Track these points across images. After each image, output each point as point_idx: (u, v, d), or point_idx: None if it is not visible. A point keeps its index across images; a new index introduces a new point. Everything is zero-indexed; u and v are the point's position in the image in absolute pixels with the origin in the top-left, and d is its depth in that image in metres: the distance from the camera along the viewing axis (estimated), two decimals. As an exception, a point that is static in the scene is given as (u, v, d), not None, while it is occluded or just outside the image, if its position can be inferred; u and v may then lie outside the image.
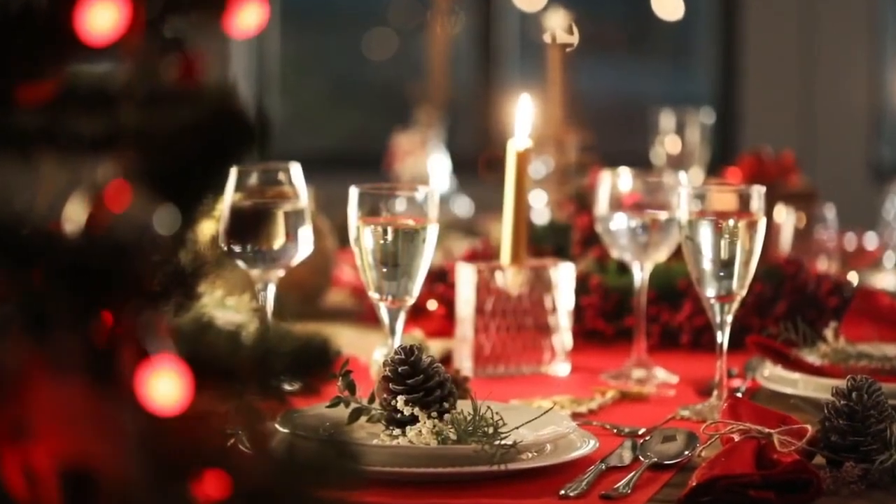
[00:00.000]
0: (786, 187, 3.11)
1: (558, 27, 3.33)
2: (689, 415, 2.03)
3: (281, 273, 2.09)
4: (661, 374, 2.31)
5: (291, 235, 2.08)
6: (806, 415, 1.95)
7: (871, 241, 3.29)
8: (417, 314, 2.58)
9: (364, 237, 1.99)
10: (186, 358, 1.05)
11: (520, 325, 2.35)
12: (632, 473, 1.70)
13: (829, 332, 2.21)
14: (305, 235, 2.08)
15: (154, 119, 1.07)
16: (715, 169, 3.64)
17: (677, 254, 2.20)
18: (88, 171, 1.08)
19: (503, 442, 1.69)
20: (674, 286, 2.56)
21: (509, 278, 2.34)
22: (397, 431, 1.75)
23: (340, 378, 1.77)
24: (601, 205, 2.35)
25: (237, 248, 2.08)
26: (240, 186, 2.06)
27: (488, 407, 1.75)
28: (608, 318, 2.57)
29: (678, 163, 3.52)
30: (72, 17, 1.03)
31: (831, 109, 6.34)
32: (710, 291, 2.02)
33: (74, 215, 1.07)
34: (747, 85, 6.44)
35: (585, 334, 2.55)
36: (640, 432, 1.91)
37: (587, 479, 1.68)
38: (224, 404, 1.11)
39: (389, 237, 1.98)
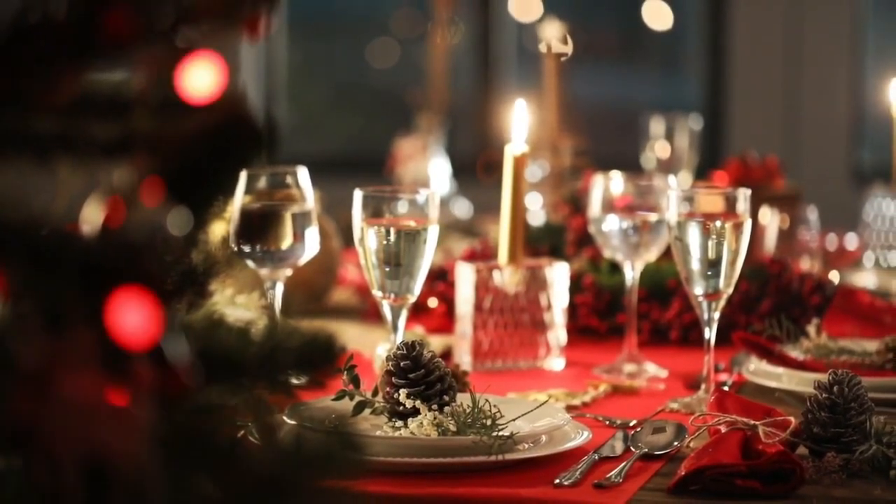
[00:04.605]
0: (770, 190, 3.11)
1: (553, 37, 3.33)
2: (678, 407, 2.03)
3: (288, 272, 2.09)
4: (651, 368, 2.31)
5: (298, 236, 2.08)
6: (790, 407, 1.95)
7: (851, 241, 3.29)
8: (419, 311, 2.58)
9: (368, 238, 1.99)
10: (198, 353, 1.05)
11: (517, 322, 2.35)
12: (623, 463, 1.70)
13: (811, 329, 2.21)
14: (312, 236, 2.09)
15: (167, 125, 1.07)
16: (703, 173, 3.64)
17: (667, 254, 2.20)
18: (104, 174, 1.08)
19: (501, 433, 1.69)
20: (663, 285, 2.56)
21: (507, 277, 2.34)
22: (399, 423, 1.75)
23: (345, 372, 1.77)
24: (594, 207, 2.35)
25: (247, 249, 2.08)
26: (249, 189, 2.06)
27: (486, 400, 1.75)
28: (601, 315, 2.57)
29: (668, 167, 3.52)
30: (89, 26, 1.03)
31: (814, 116, 6.34)
32: (698, 290, 2.02)
33: (91, 217, 1.07)
34: (734, 92, 6.43)
35: (579, 331, 2.56)
36: (632, 424, 1.91)
37: (581, 468, 1.68)
38: (234, 397, 1.11)
39: (392, 238, 1.98)
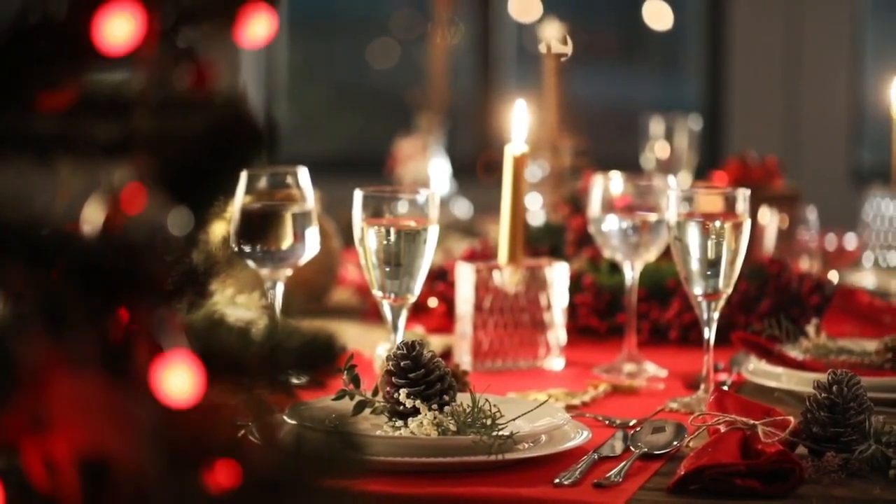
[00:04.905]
0: (770, 190, 3.11)
1: (553, 37, 3.33)
2: (677, 407, 2.03)
3: (289, 272, 2.09)
4: (650, 368, 2.31)
5: (299, 236, 2.08)
6: (789, 407, 1.95)
7: (850, 241, 3.29)
8: (419, 311, 2.58)
9: (368, 238, 1.99)
10: (199, 353, 1.05)
11: (517, 321, 2.35)
12: (623, 463, 1.70)
13: (810, 329, 2.21)
14: (312, 236, 2.09)
15: (168, 125, 1.07)
16: (702, 173, 3.64)
17: (666, 254, 2.20)
18: (105, 174, 1.08)
19: (501, 433, 1.69)
20: (663, 285, 2.56)
21: (507, 277, 2.34)
22: (399, 423, 1.75)
23: (345, 372, 1.77)
24: (594, 207, 2.35)
25: (247, 249, 2.08)
26: (250, 189, 2.06)
27: (486, 400, 1.75)
28: (601, 315, 2.57)
29: (667, 167, 3.52)
30: (89, 27, 1.03)
31: (813, 116, 6.34)
32: (697, 290, 2.02)
33: (92, 217, 1.07)
34: (733, 92, 6.43)
35: (579, 330, 2.55)
36: (631, 424, 1.91)
37: (580, 468, 1.68)
38: (235, 397, 1.11)
39: (392, 238, 1.98)
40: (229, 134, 1.08)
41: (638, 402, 2.10)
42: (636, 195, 2.34)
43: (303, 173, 2.10)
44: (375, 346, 2.21)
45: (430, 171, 4.17)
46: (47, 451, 0.98)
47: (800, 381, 2.06)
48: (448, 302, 2.55)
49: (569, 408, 2.01)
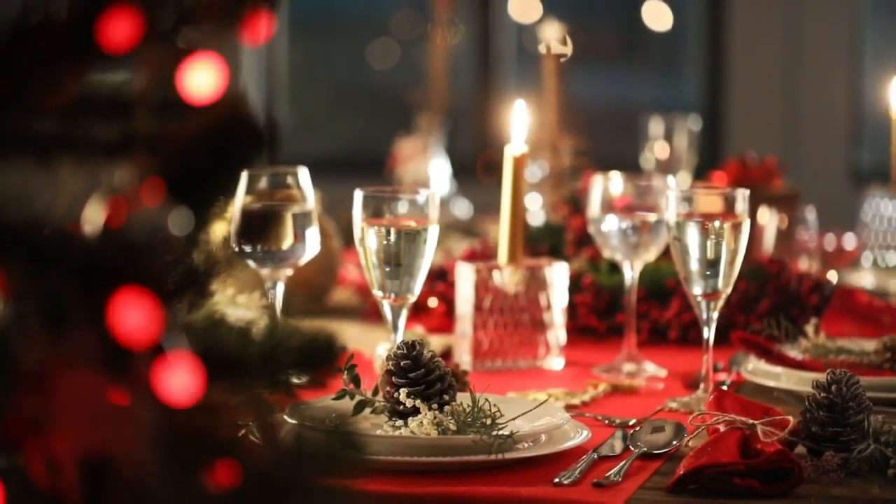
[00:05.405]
0: (769, 190, 3.11)
1: (553, 38, 3.33)
2: (677, 407, 2.03)
3: (289, 272, 2.09)
4: (650, 368, 2.31)
5: (299, 236, 2.08)
6: (788, 407, 1.95)
7: (849, 241, 3.29)
8: (419, 311, 2.58)
9: (368, 238, 1.99)
10: (199, 353, 1.05)
11: (516, 321, 2.35)
12: (623, 462, 1.70)
13: (809, 328, 2.21)
14: (312, 236, 2.09)
15: (168, 125, 1.07)
16: (702, 173, 3.65)
17: (666, 254, 2.20)
18: (106, 174, 1.08)
19: (500, 432, 1.69)
20: (663, 285, 2.56)
21: (506, 277, 2.34)
22: (400, 422, 1.75)
23: (346, 372, 1.77)
24: (594, 207, 2.35)
25: (247, 249, 2.08)
26: (250, 189, 2.06)
27: (486, 399, 1.75)
28: (600, 315, 2.57)
29: (667, 167, 3.52)
30: (90, 27, 1.03)
31: (813, 116, 6.34)
32: (696, 289, 2.02)
33: (92, 217, 1.07)
34: (733, 93, 6.43)
35: (579, 330, 2.55)
36: (631, 423, 1.91)
37: (580, 467, 1.68)
38: (235, 397, 1.11)
39: (392, 238, 1.98)
40: (229, 134, 1.08)
41: (637, 401, 2.10)
42: (636, 195, 2.34)
43: (303, 173, 2.10)
44: (375, 346, 2.21)
45: (430, 171, 4.17)
46: (48, 451, 0.98)
47: (799, 381, 2.06)
48: (448, 302, 2.55)
49: (568, 407, 2.01)
